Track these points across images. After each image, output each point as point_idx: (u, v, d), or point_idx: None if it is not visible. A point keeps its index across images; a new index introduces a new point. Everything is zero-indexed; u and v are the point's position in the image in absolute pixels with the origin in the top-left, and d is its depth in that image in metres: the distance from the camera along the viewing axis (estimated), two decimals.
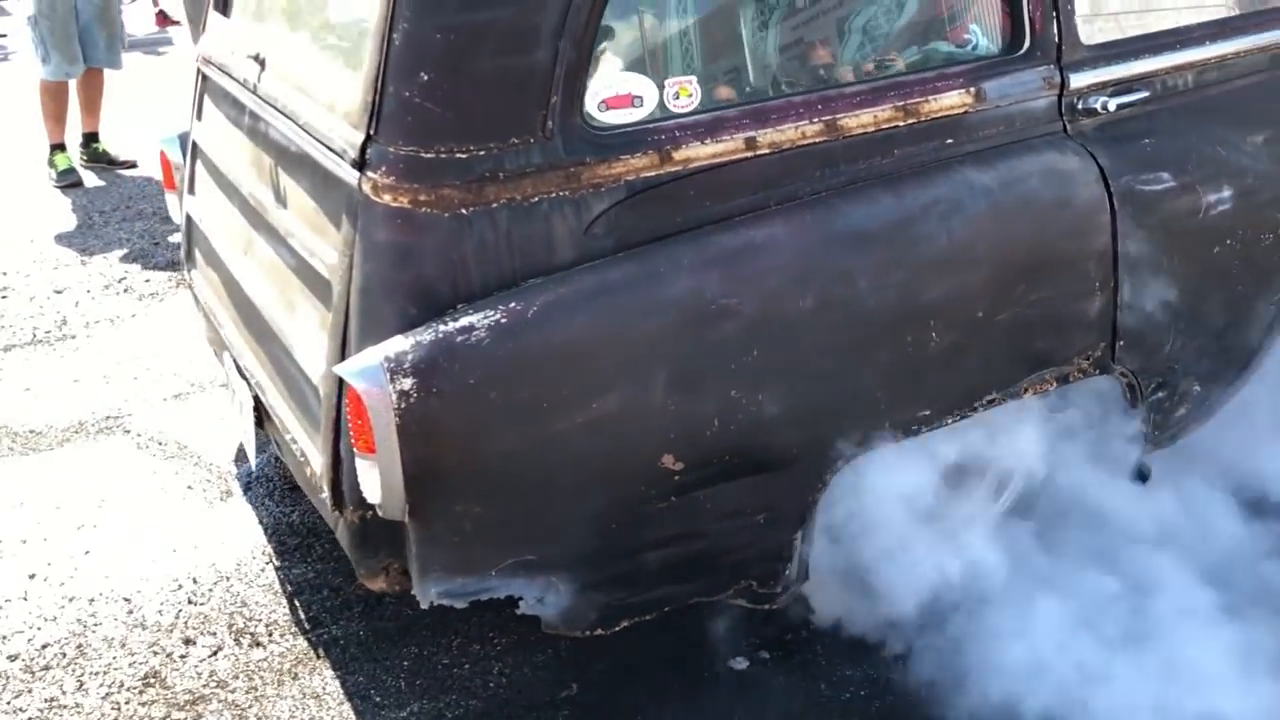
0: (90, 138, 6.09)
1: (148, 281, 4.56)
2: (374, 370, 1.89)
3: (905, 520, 2.29)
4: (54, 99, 5.76)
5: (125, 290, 4.49)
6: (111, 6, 5.86)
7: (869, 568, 2.30)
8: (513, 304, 1.95)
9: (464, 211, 1.96)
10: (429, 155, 1.95)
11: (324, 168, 2.13)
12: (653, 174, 2.05)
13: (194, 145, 3.09)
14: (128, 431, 3.44)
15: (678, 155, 2.06)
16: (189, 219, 3.13)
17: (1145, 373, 2.48)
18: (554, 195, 2.00)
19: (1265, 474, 2.79)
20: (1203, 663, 2.25)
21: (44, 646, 2.56)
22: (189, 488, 3.13)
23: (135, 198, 5.58)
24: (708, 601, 2.25)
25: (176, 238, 5.00)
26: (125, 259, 4.80)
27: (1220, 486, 2.74)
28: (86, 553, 2.88)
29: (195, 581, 2.75)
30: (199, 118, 3.07)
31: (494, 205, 1.97)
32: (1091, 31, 2.39)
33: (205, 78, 3.02)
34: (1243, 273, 2.56)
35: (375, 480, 1.93)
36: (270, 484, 3.11)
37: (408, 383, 1.89)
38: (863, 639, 2.41)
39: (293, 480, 3.08)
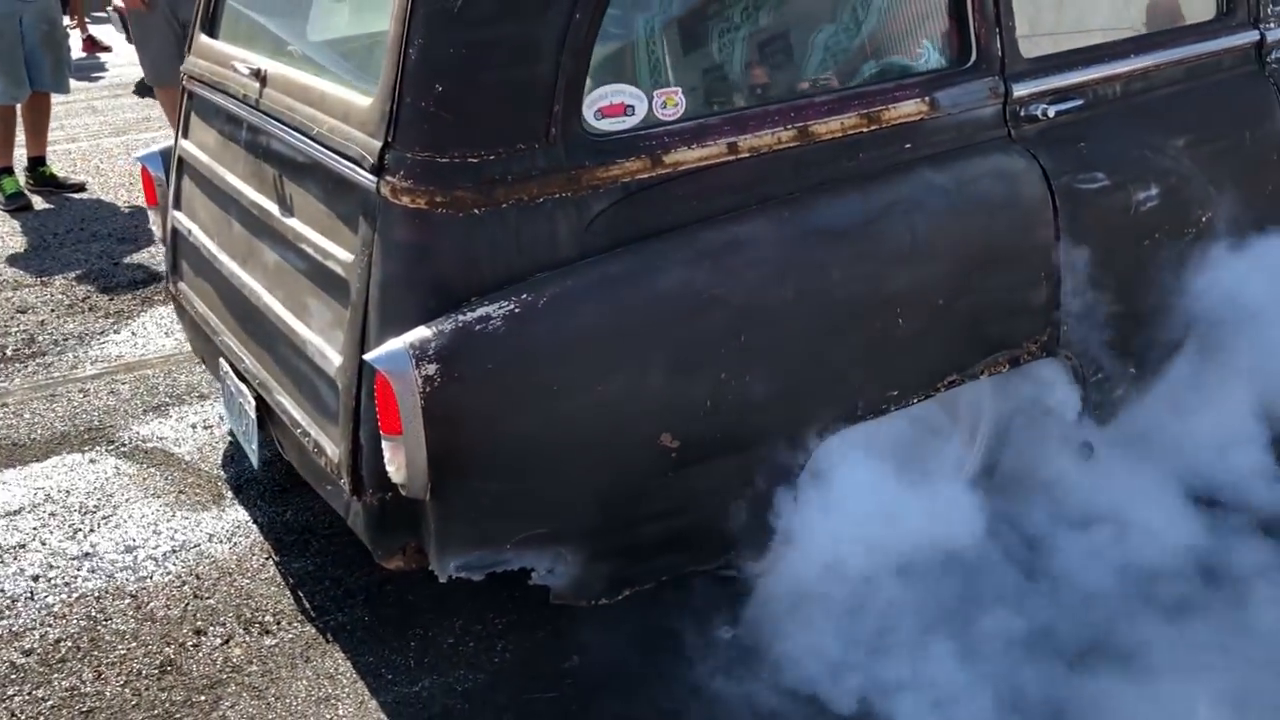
0: (36, 161, 6.11)
1: (112, 300, 4.62)
2: (401, 356, 2.05)
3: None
4: (1, 122, 5.78)
5: (90, 309, 4.55)
6: (57, 30, 5.91)
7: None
8: (524, 295, 2.13)
9: (476, 212, 2.14)
10: (444, 160, 2.12)
11: (338, 174, 2.28)
12: (645, 176, 2.24)
13: (180, 160, 3.21)
14: (111, 442, 3.53)
15: (667, 159, 2.25)
16: (175, 233, 3.25)
17: (1086, 355, 2.72)
18: (557, 196, 2.18)
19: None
20: None
21: (57, 641, 2.65)
22: (180, 493, 3.23)
23: (88, 220, 5.62)
24: (701, 571, 2.43)
25: (136, 258, 5.08)
26: (86, 279, 4.86)
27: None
28: (86, 555, 2.97)
29: (198, 578, 2.86)
30: (185, 134, 3.19)
31: (503, 206, 2.15)
32: (1030, 46, 2.64)
33: (192, 95, 3.15)
34: (1168, 264, 2.82)
35: (401, 461, 2.08)
36: (261, 486, 3.22)
37: (432, 368, 2.05)
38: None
39: (284, 481, 3.20)
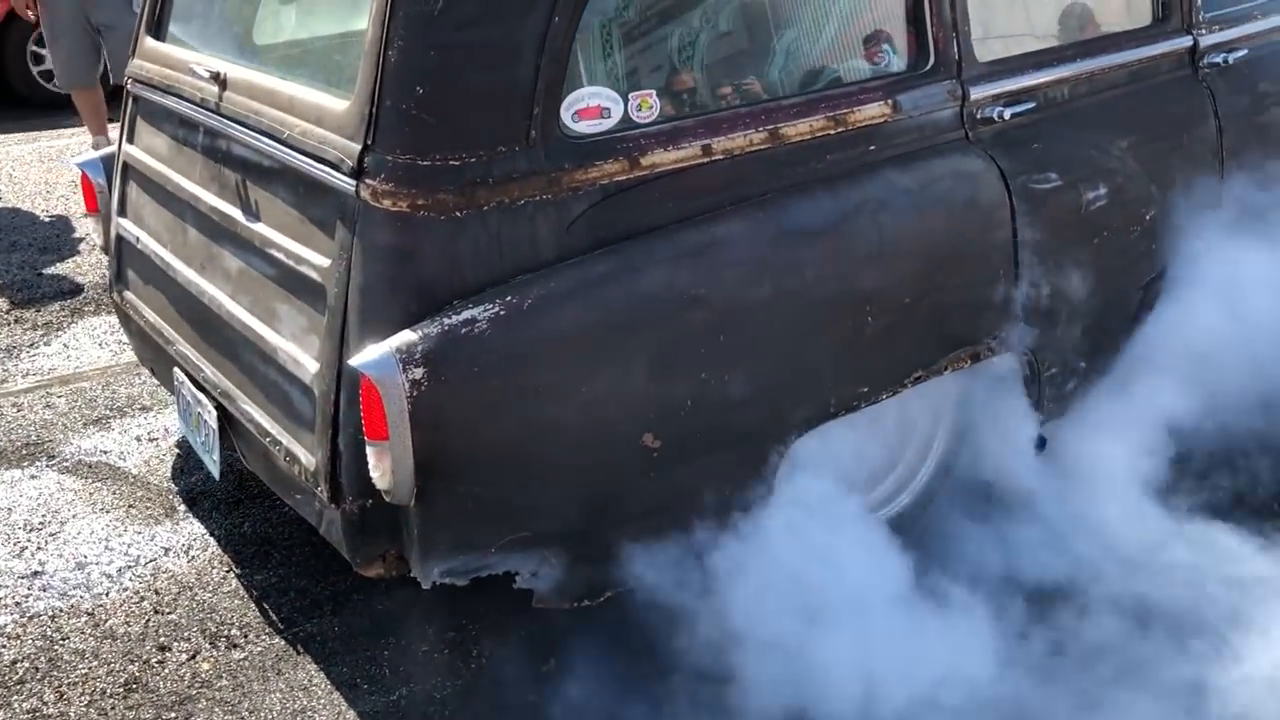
0: None
1: (39, 312, 4.48)
2: (387, 361, 2.03)
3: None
4: None
5: (16, 321, 4.40)
6: None
7: None
8: (509, 298, 2.12)
9: (458, 214, 2.13)
10: (425, 163, 2.11)
11: (311, 178, 2.25)
12: (624, 178, 2.25)
13: (125, 166, 3.13)
14: (52, 457, 3.42)
15: (644, 161, 2.27)
16: (119, 240, 3.16)
17: (1041, 351, 2.80)
18: (537, 198, 2.18)
19: None
20: None
21: (13, 662, 2.57)
22: (130, 507, 3.15)
23: (6, 229, 5.44)
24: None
25: (60, 268, 4.94)
26: (8, 290, 4.70)
27: None
28: (36, 574, 2.88)
29: (157, 593, 2.79)
30: (130, 139, 3.11)
31: (485, 208, 2.14)
32: (985, 50, 2.72)
33: (138, 99, 3.08)
34: (1116, 261, 2.92)
35: (387, 466, 2.06)
36: (215, 498, 3.15)
37: (419, 372, 2.03)
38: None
39: (239, 493, 3.14)
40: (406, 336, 2.06)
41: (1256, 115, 3.27)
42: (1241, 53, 3.24)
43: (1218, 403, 3.03)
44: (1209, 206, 3.10)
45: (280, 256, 2.36)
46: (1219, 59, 3.19)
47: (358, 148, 2.13)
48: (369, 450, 2.08)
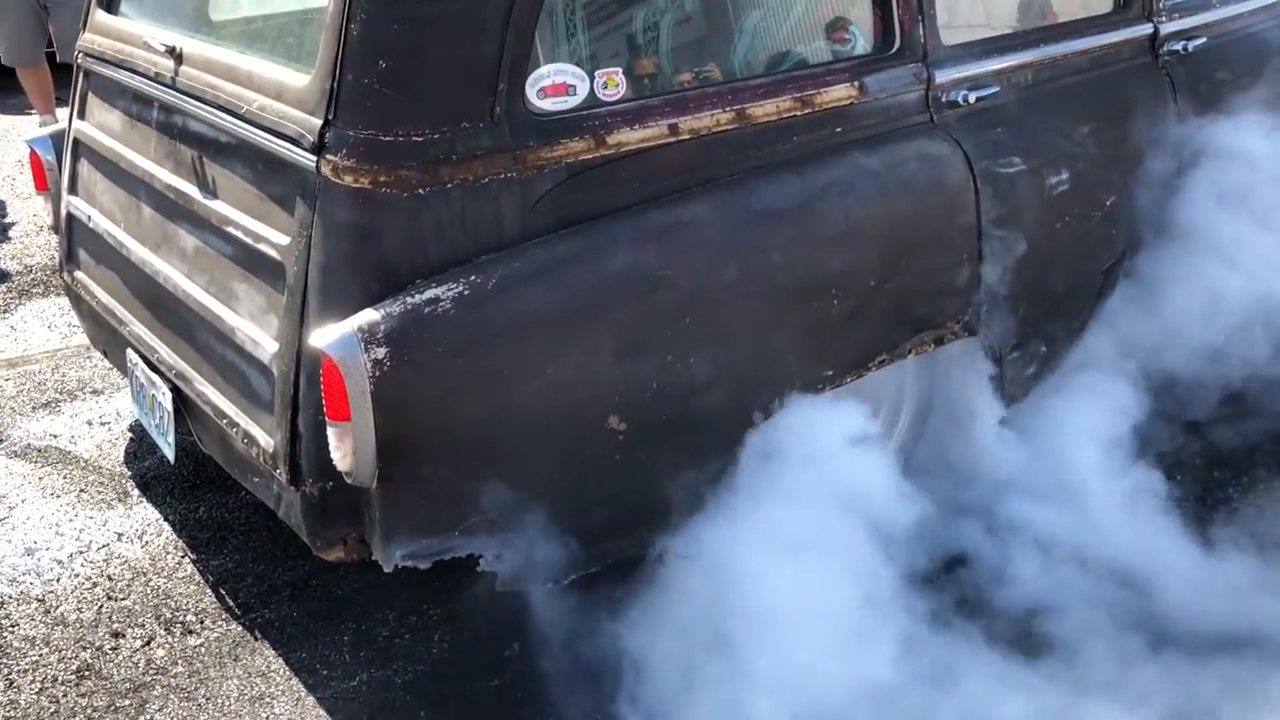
0: None
1: None
2: (350, 340, 1.99)
3: None
4: None
5: None
6: None
7: None
8: (473, 277, 2.09)
9: (421, 191, 2.09)
10: (388, 138, 2.07)
11: (270, 153, 2.21)
12: (589, 157, 2.22)
13: (75, 143, 3.05)
14: (1, 441, 3.34)
15: (610, 140, 2.24)
16: (70, 219, 3.09)
17: (1003, 334, 2.81)
18: (502, 176, 2.15)
19: None
20: None
21: None
22: (82, 491, 3.08)
23: None
24: (647, 553, 2.43)
25: (5, 249, 4.82)
26: None
27: None
28: None
29: (110, 579, 2.73)
30: (81, 115, 3.04)
31: (448, 185, 2.11)
32: (950, 34, 2.71)
33: (89, 74, 3.00)
34: (1078, 246, 2.93)
35: (349, 447, 2.02)
36: (169, 482, 3.09)
37: (381, 351, 2.00)
38: None
39: (194, 477, 3.08)
40: (369, 316, 2.02)
41: (1215, 102, 3.30)
42: (1200, 40, 3.27)
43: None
44: (1167, 193, 3.13)
45: (238, 234, 2.31)
46: (1178, 46, 3.21)
47: (319, 123, 2.09)
48: (330, 431, 2.05)
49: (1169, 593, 2.57)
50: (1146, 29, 3.15)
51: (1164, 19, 3.20)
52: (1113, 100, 3.07)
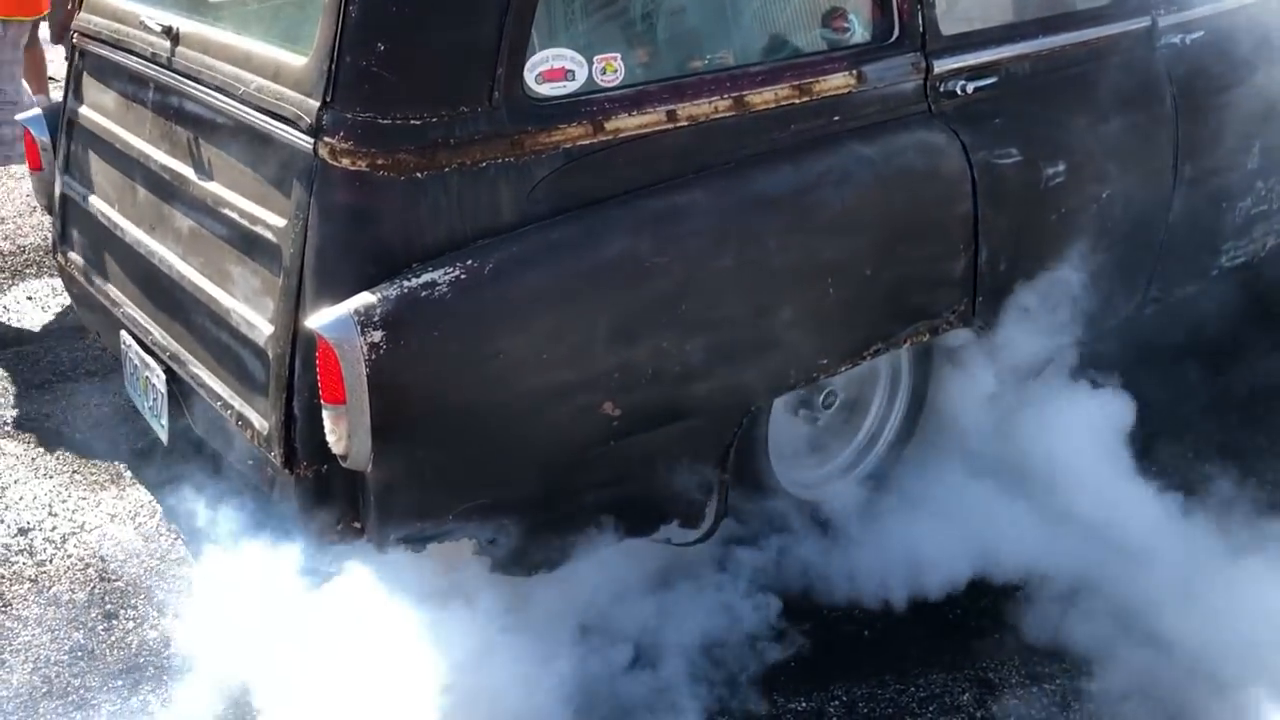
0: None
1: None
2: (346, 322, 1.99)
3: None
4: None
5: None
6: None
7: None
8: (470, 261, 2.09)
9: (418, 175, 2.09)
10: (385, 121, 2.07)
11: (267, 135, 2.20)
12: (587, 142, 2.22)
13: (69, 123, 3.04)
14: None
15: (608, 126, 2.24)
16: (64, 200, 3.08)
17: (997, 326, 2.81)
18: (499, 161, 2.14)
19: None
20: None
21: None
22: (75, 473, 3.08)
23: None
24: (639, 540, 2.43)
25: None
26: None
27: None
28: None
29: (103, 560, 2.73)
30: (76, 95, 3.03)
31: (446, 169, 2.10)
32: (949, 24, 2.71)
33: (84, 53, 2.99)
34: (1071, 238, 2.93)
35: (344, 430, 2.03)
36: (163, 464, 3.08)
37: (377, 335, 2.00)
38: None
39: (188, 458, 3.07)
40: (365, 298, 2.02)
41: (1211, 96, 3.30)
42: (1198, 34, 3.26)
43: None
44: (1161, 187, 3.13)
45: (234, 216, 2.31)
46: (1176, 39, 3.21)
47: (316, 104, 2.08)
48: (325, 414, 2.05)
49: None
50: (1145, 21, 3.14)
51: (1162, 12, 3.19)
52: (1111, 93, 3.06)
